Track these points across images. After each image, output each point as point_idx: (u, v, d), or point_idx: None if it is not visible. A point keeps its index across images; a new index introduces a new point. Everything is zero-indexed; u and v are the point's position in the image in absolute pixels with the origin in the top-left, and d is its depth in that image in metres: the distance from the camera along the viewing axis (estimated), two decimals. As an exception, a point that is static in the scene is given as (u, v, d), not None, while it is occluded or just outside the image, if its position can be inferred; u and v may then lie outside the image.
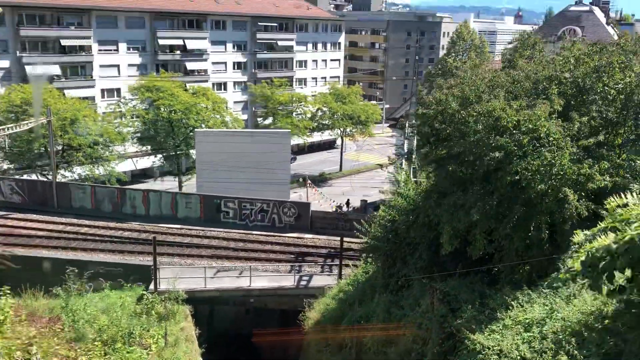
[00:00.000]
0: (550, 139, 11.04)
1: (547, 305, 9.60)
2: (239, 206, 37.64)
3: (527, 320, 9.43)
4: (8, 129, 33.49)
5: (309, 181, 45.30)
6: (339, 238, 35.57)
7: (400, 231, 15.20)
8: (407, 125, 33.06)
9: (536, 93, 12.39)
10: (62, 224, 36.65)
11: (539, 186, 10.59)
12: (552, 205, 10.78)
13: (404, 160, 33.11)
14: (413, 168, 18.88)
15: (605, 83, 11.99)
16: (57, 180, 40.43)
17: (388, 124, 55.01)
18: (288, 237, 35.93)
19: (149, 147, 55.28)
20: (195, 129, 43.70)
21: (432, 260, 13.96)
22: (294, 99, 64.13)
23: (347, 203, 49.09)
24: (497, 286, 12.25)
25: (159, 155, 55.35)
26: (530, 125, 11.06)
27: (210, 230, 36.50)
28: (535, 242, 11.17)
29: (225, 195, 37.81)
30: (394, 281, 16.27)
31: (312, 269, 30.35)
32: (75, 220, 37.15)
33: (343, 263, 27.30)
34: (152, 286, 25.62)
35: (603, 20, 56.41)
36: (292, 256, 32.75)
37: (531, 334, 8.94)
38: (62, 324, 18.32)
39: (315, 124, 65.43)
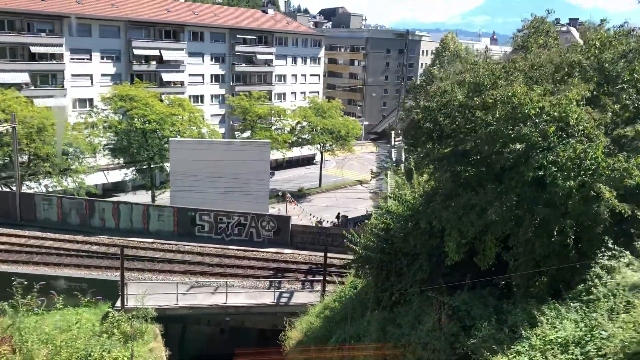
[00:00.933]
0: (580, 127, 9.64)
1: (581, 322, 8.09)
2: (214, 219, 35.77)
3: (560, 340, 7.91)
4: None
5: (289, 195, 43.60)
6: (320, 254, 34.01)
7: (396, 240, 13.65)
8: (393, 134, 31.73)
9: (558, 80, 11.04)
10: (24, 237, 34.39)
11: (567, 183, 9.13)
12: (579, 205, 9.33)
13: (389, 172, 31.69)
14: (404, 175, 17.39)
15: (635, 69, 10.70)
16: (23, 191, 38.04)
17: (370, 138, 53.78)
18: (267, 252, 34.20)
19: (122, 160, 53.15)
20: (170, 138, 41.77)
21: (434, 272, 12.41)
22: (273, 111, 62.60)
23: (338, 216, 47.45)
24: (511, 300, 10.73)
25: (132, 168, 53.22)
26: (556, 113, 9.65)
27: (184, 245, 34.56)
28: (557, 248, 9.70)
29: (201, 208, 35.93)
30: (388, 296, 14.67)
31: (293, 285, 28.61)
32: (39, 234, 34.91)
33: (326, 279, 25.62)
34: (118, 303, 23.51)
35: (581, 41, 56.31)
36: (271, 272, 30.97)
37: (571, 356, 7.41)
38: (12, 344, 16.20)
39: (295, 138, 63.92)
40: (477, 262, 11.55)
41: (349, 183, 74.80)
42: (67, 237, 34.51)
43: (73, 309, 23.12)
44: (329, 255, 33.63)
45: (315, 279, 29.42)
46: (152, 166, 51.14)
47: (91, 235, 35.24)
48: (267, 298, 25.72)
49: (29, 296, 18.47)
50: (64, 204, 36.81)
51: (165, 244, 34.61)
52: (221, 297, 25.40)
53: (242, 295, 26.05)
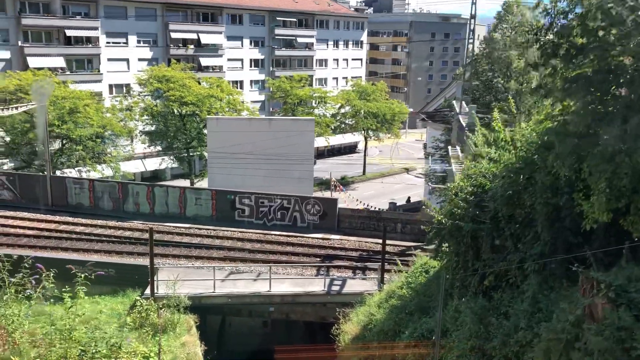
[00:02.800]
0: None
1: None
2: (255, 203, 32.86)
3: None
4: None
5: (334, 180, 40.34)
6: (371, 240, 30.87)
7: (497, 204, 10.21)
8: (456, 104, 28.11)
9: None
10: (54, 222, 32.27)
11: None
12: None
13: (449, 148, 28.07)
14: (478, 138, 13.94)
15: None
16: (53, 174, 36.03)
17: (422, 118, 49.94)
18: (312, 237, 31.09)
19: (159, 148, 51.00)
20: (207, 116, 39.05)
21: (558, 242, 9.00)
22: (315, 94, 59.31)
23: (408, 200, 43.94)
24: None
25: (170, 156, 50.99)
26: None
27: (223, 230, 31.79)
28: None
29: (241, 190, 33.08)
30: (478, 279, 11.26)
31: (342, 273, 25.35)
32: (70, 219, 32.72)
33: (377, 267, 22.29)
34: (148, 290, 20.72)
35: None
36: (318, 259, 27.81)
37: None
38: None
39: (337, 122, 60.57)
40: (626, 226, 8.05)
41: (395, 171, 71.19)
42: (98, 222, 32.24)
43: (95, 298, 20.46)
44: (381, 242, 30.48)
45: (368, 266, 26.08)
46: (190, 153, 48.78)
47: (124, 220, 32.87)
48: (316, 286, 22.54)
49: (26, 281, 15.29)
50: (96, 188, 34.55)
51: (203, 229, 31.97)
52: (264, 285, 22.37)
53: (287, 282, 22.96)
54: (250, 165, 33.96)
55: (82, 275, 12.68)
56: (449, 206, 11.64)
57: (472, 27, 28.48)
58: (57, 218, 32.87)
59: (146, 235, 30.41)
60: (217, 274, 22.18)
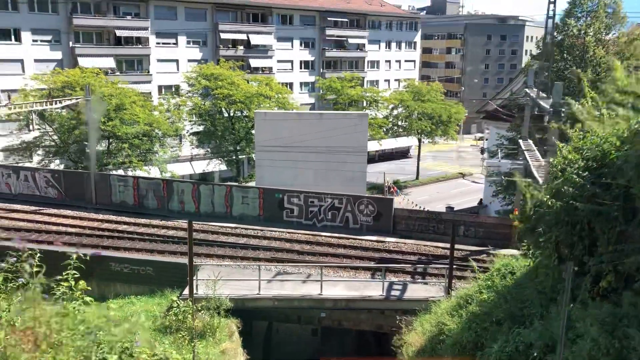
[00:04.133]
0: None
1: None
2: (305, 202, 30.73)
3: None
4: (36, 105, 28.06)
5: (388, 181, 37.81)
6: (430, 243, 28.25)
7: (630, 176, 7.60)
8: (534, 92, 25.23)
9: None
10: (97, 220, 31.18)
11: None
12: None
13: (520, 141, 25.18)
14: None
15: None
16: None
17: (482, 117, 46.86)
18: (365, 240, 28.67)
19: (207, 150, 49.93)
20: (255, 110, 37.30)
21: None
22: (367, 94, 56.88)
23: (480, 202, 41.21)
24: None
25: (218, 158, 49.73)
26: None
27: (271, 230, 29.80)
28: None
29: (289, 189, 31.04)
30: (590, 279, 8.64)
31: (400, 278, 22.80)
32: (113, 217, 31.57)
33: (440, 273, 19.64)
34: (186, 291, 18.75)
35: None
36: (372, 263, 25.36)
37: None
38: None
39: (390, 124, 57.92)
40: None
41: (450, 176, 67.98)
42: (142, 221, 30.89)
43: (130, 298, 18.70)
44: (441, 245, 27.81)
45: (429, 271, 23.43)
46: (238, 154, 47.35)
47: (169, 219, 31.37)
48: (373, 290, 20.07)
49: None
50: (140, 186, 33.24)
51: (249, 229, 30.11)
52: (315, 288, 20.09)
53: (340, 285, 20.61)
54: (299, 163, 31.96)
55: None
56: (549, 188, 9.03)
57: (550, 14, 25.62)
58: (100, 216, 31.79)
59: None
60: (263, 275, 20.09)
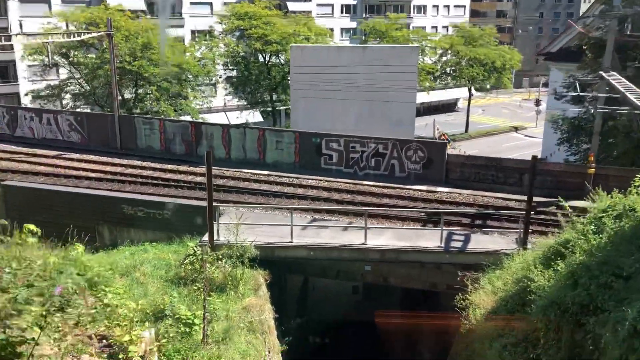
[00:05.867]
0: None
1: None
2: (345, 148, 27.46)
3: None
4: (53, 37, 25.38)
5: (439, 128, 34.06)
6: (489, 194, 24.74)
7: None
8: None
9: None
10: (121, 165, 28.76)
11: None
12: None
13: (602, 73, 21.14)
14: None
15: None
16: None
17: (544, 58, 42.09)
18: (414, 190, 25.31)
19: (242, 101, 47.06)
20: (291, 45, 33.84)
21: None
22: (413, 37, 52.29)
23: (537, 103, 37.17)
24: None
25: (253, 107, 46.81)
26: None
27: (307, 179, 26.75)
28: None
29: (328, 132, 27.84)
30: None
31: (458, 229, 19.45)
32: (137, 163, 29.16)
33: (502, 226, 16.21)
34: (206, 237, 15.88)
35: None
36: (423, 215, 22.05)
37: None
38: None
39: (438, 71, 53.45)
40: None
41: (502, 129, 63.40)
42: (168, 166, 28.41)
43: (144, 245, 16.07)
44: (502, 196, 24.32)
45: (486, 225, 19.98)
46: (275, 105, 44.23)
47: (197, 165, 28.66)
48: (428, 240, 16.76)
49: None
50: (167, 129, 30.60)
51: (284, 176, 27.17)
52: (357, 237, 16.95)
53: (387, 234, 17.38)
54: (339, 104, 28.65)
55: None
56: None
57: None
58: (124, 161, 29.42)
59: (221, 182, 26.30)
60: (297, 220, 17.06)
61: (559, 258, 10.01)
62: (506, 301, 11.37)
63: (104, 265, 13.77)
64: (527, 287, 10.23)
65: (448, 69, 54.63)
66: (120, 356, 7.11)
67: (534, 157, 16.18)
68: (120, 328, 7.51)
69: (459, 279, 14.23)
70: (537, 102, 63.89)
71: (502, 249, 14.97)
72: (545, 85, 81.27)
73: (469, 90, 57.56)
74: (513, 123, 66.47)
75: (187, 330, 10.78)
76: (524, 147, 54.79)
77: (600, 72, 22.26)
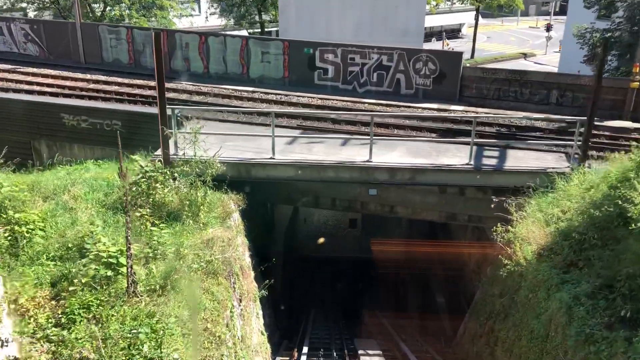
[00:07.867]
0: None
1: None
2: (342, 60, 23.45)
3: None
4: None
5: (447, 42, 29.83)
6: (510, 112, 21.05)
7: None
8: None
9: None
10: (83, 80, 24.79)
11: None
12: None
13: None
14: None
15: None
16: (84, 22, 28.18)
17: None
18: (423, 107, 21.57)
19: (227, 19, 42.47)
20: None
21: None
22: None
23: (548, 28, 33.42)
24: None
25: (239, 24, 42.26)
26: None
27: (297, 96, 22.90)
28: None
29: (322, 41, 23.73)
30: None
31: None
32: (102, 77, 25.15)
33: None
34: (159, 151, 12.08)
35: None
36: (434, 136, 18.35)
37: None
38: None
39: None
40: None
41: (510, 56, 58.92)
42: (137, 81, 24.38)
43: (86, 163, 12.42)
44: (528, 114, 20.65)
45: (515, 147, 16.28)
46: (263, 21, 39.68)
47: (170, 81, 24.57)
48: (452, 157, 13.06)
49: None
50: (136, 39, 26.33)
51: (271, 93, 23.30)
52: (359, 153, 13.21)
53: (399, 149, 13.63)
54: (335, 9, 24.37)
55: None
56: None
57: None
58: (88, 76, 25.42)
59: (196, 98, 22.53)
60: (281, 132, 13.31)
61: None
62: (565, 237, 7.92)
63: (19, 185, 10.19)
64: (621, 213, 6.76)
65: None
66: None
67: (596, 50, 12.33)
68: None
69: (492, 205, 10.73)
70: (548, 28, 59.19)
71: (551, 167, 11.39)
72: (557, 12, 76.08)
73: (477, 9, 52.62)
74: (521, 50, 62.04)
75: (110, 273, 7.38)
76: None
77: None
